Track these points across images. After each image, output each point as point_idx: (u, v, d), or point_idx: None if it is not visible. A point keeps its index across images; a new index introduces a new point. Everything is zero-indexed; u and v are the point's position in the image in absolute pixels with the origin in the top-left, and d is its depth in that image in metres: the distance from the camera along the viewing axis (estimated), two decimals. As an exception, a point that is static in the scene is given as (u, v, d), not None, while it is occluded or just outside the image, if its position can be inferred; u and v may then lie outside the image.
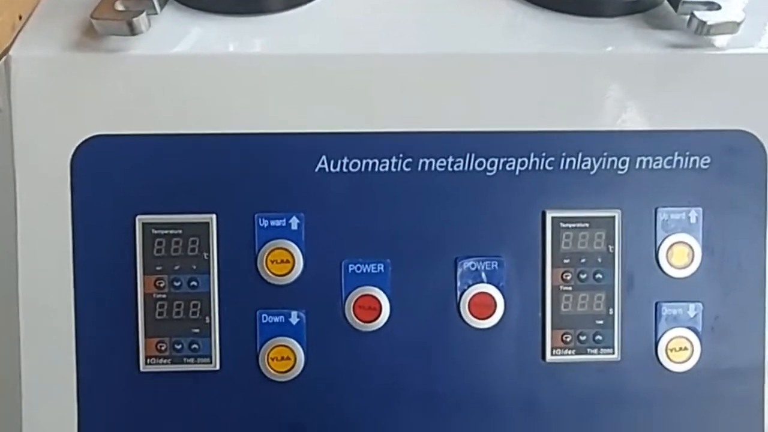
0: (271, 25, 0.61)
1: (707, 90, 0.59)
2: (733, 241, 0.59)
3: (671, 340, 0.59)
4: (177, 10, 0.61)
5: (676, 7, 0.59)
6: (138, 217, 0.57)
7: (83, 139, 0.57)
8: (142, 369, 0.57)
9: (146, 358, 0.57)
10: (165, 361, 0.57)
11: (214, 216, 0.57)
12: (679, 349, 0.59)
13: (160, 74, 0.57)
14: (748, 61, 0.59)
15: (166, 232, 0.57)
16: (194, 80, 0.57)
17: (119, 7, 0.56)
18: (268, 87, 0.57)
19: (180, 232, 0.57)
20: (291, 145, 0.57)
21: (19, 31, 0.59)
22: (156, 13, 0.57)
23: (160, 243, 0.57)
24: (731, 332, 0.59)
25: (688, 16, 0.58)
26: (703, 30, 0.57)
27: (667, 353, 0.59)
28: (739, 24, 0.57)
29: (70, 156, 0.56)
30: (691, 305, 0.59)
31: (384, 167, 0.58)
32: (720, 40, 0.59)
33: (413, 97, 0.58)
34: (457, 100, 0.58)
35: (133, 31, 0.55)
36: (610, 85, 0.58)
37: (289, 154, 0.57)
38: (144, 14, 0.55)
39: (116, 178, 0.57)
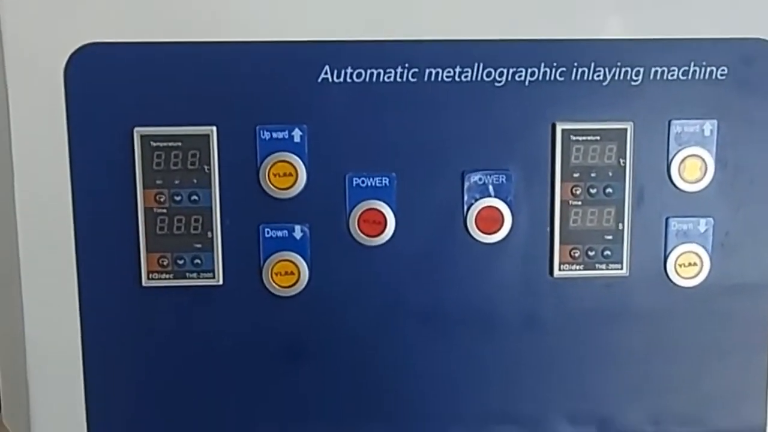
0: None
1: (725, -3, 0.56)
2: (746, 155, 0.58)
3: (681, 255, 0.58)
4: None
5: None
6: (136, 129, 0.55)
7: (77, 47, 0.54)
8: (144, 284, 0.56)
9: (148, 273, 0.56)
10: (167, 276, 0.56)
11: (214, 128, 0.55)
12: (689, 265, 0.58)
13: (155, -22, 0.55)
14: (769, -35, 0.57)
15: (165, 144, 0.55)
16: (191, -15, 0.55)
17: None
18: (268, -8, 0.55)
19: (180, 144, 0.55)
20: (293, 55, 0.55)
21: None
22: None
23: (159, 156, 0.55)
24: (741, 248, 0.58)
25: None
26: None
27: (676, 269, 0.58)
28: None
29: (63, 65, 0.54)
30: (702, 220, 0.58)
31: (389, 77, 0.56)
32: (742, -54, 0.56)
33: (419, 4, 0.55)
34: (464, 8, 0.56)
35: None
36: (622, -9, 0.56)
37: (291, 64, 0.55)
38: None
39: (112, 88, 0.55)
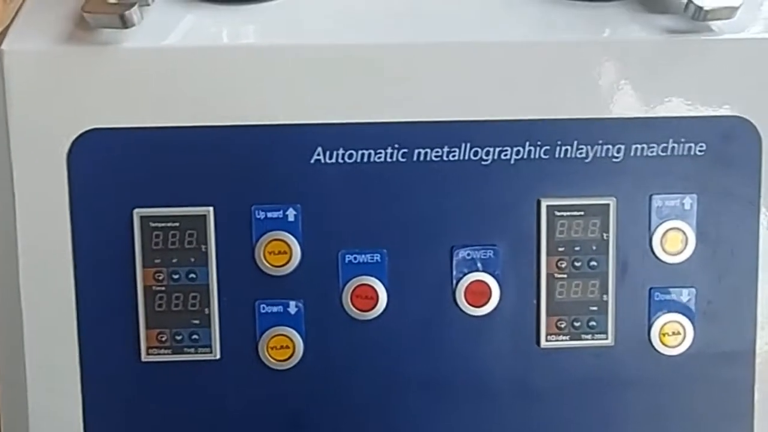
0: (264, 13, 0.60)
1: (702, 76, 0.59)
2: (726, 228, 0.59)
3: (664, 324, 0.60)
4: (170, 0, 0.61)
5: (673, -9, 0.59)
6: (136, 211, 0.57)
7: (79, 133, 0.57)
8: (143, 359, 0.58)
9: (147, 348, 0.58)
10: (166, 351, 0.58)
11: (211, 208, 0.57)
12: (672, 334, 0.60)
13: (154, 66, 0.57)
14: (743, 46, 0.59)
15: (163, 224, 0.57)
16: (188, 72, 0.57)
17: (111, -1, 0.56)
18: (263, 78, 0.57)
19: (177, 224, 0.57)
20: (286, 137, 0.57)
21: (10, 24, 0.59)
22: (148, 5, 0.57)
23: (158, 236, 0.57)
24: (723, 317, 0.60)
25: (684, 1, 0.58)
26: (700, 15, 0.57)
27: (660, 337, 0.60)
28: (736, 9, 0.57)
29: (66, 151, 0.57)
30: (685, 290, 0.60)
31: (379, 157, 0.58)
32: (716, 25, 0.59)
33: (407, 86, 0.58)
34: (451, 90, 0.58)
35: (125, 24, 0.55)
36: (605, 72, 0.58)
37: (284, 145, 0.57)
38: (136, 6, 0.55)
39: (113, 171, 0.57)
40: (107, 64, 0.57)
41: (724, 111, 0.59)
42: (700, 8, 0.56)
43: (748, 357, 0.60)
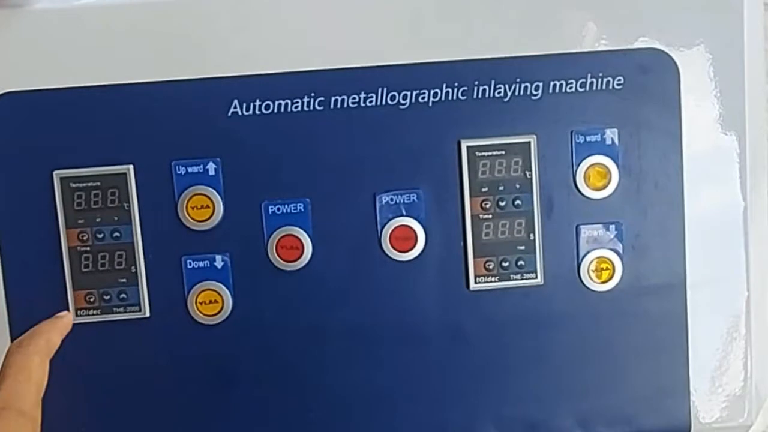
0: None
1: (617, 8, 0.58)
2: (649, 161, 0.59)
3: (593, 261, 0.60)
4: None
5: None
6: (56, 172, 0.57)
7: (-6, 97, 0.57)
8: (73, 321, 0.58)
9: (76, 310, 0.58)
10: (95, 312, 0.58)
11: (131, 166, 0.57)
12: (601, 269, 0.60)
13: (67, 26, 0.57)
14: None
15: (84, 185, 0.57)
16: (101, 31, 0.57)
17: (18, -39, 0.56)
18: (175, 32, 0.57)
19: (98, 184, 0.57)
20: (202, 91, 0.57)
21: None
22: (57, -35, 0.57)
23: (79, 196, 0.57)
24: (652, 250, 0.60)
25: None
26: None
27: (589, 274, 0.60)
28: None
29: (-18, 115, 0.57)
30: (611, 226, 0.60)
31: (297, 107, 0.58)
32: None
33: (321, 33, 0.58)
34: (365, 35, 0.58)
35: (33, -15, 0.55)
36: (518, 7, 0.58)
37: (200, 99, 0.57)
38: (43, -34, 0.55)
39: (30, 134, 0.57)
40: (20, 25, 0.57)
41: (641, 43, 0.59)
42: (609, -60, 0.56)
43: (678, 289, 0.60)
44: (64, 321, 0.50)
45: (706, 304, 0.61)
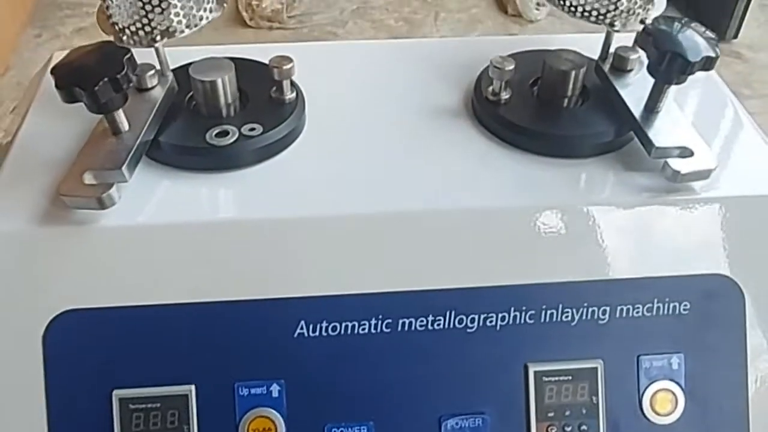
0: (240, 182, 0.60)
1: (683, 235, 0.59)
2: (715, 386, 0.59)
3: (658, 485, 0.59)
4: (147, 167, 0.60)
5: (649, 152, 0.59)
6: (115, 392, 0.56)
7: (55, 314, 0.55)
8: None
9: None
10: None
11: (192, 387, 0.56)
12: (668, 495, 0.59)
13: (131, 245, 0.56)
14: (722, 204, 0.59)
15: (144, 406, 0.56)
16: (165, 250, 0.56)
17: (88, 179, 0.55)
18: (241, 253, 0.56)
19: (158, 405, 0.56)
20: (268, 312, 0.56)
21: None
22: (125, 181, 0.56)
23: (138, 417, 0.56)
24: (717, 477, 0.59)
25: (661, 162, 0.58)
26: (678, 178, 0.57)
27: (654, 498, 0.59)
28: (712, 171, 0.57)
29: (42, 332, 0.55)
30: (677, 451, 0.59)
31: (363, 329, 0.57)
32: (694, 184, 0.59)
33: (389, 257, 0.57)
34: (434, 258, 0.57)
35: (102, 206, 0.54)
36: (587, 235, 0.58)
37: (266, 320, 0.57)
38: (114, 188, 0.54)
39: (90, 352, 0.56)
40: (83, 243, 0.56)
41: (706, 269, 0.59)
42: (677, 172, 0.57)
43: None
44: None
45: None
